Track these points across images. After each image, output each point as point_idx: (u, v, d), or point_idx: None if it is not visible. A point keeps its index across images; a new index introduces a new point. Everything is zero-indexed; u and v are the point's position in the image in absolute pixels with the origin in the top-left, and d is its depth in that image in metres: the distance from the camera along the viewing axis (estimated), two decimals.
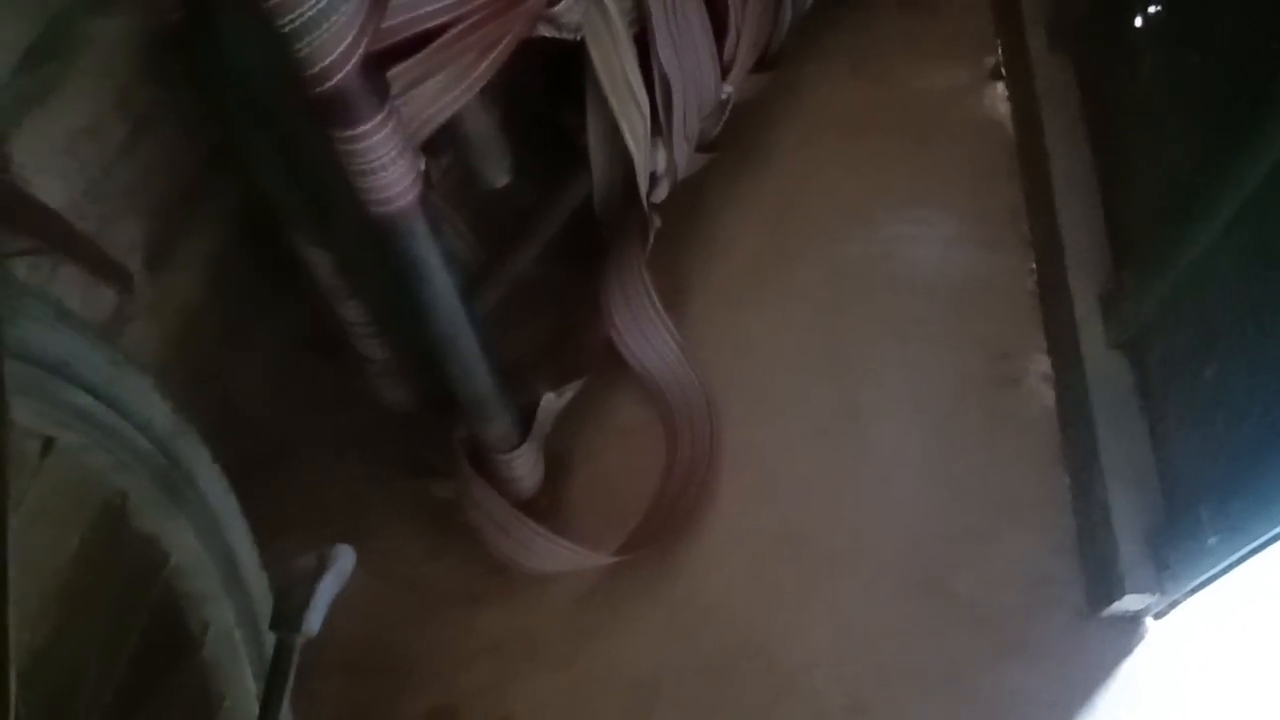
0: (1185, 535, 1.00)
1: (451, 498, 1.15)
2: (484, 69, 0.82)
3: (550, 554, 1.11)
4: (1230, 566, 0.97)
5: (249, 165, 0.89)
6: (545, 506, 1.17)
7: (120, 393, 0.59)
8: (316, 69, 0.65)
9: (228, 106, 0.86)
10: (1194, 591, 1.04)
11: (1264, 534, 0.90)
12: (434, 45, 0.76)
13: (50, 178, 0.83)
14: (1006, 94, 1.56)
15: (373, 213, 0.76)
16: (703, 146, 1.33)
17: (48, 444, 0.55)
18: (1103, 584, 1.09)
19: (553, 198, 1.17)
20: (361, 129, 0.69)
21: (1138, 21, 1.23)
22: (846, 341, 1.34)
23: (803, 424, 1.28)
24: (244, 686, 0.78)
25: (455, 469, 1.11)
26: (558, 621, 1.17)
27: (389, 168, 0.73)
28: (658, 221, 1.22)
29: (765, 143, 1.53)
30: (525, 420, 1.09)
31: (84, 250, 0.75)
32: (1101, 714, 1.06)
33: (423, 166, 0.77)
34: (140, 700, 0.75)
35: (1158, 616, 1.09)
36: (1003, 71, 1.59)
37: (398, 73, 0.74)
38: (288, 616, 0.61)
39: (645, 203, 1.18)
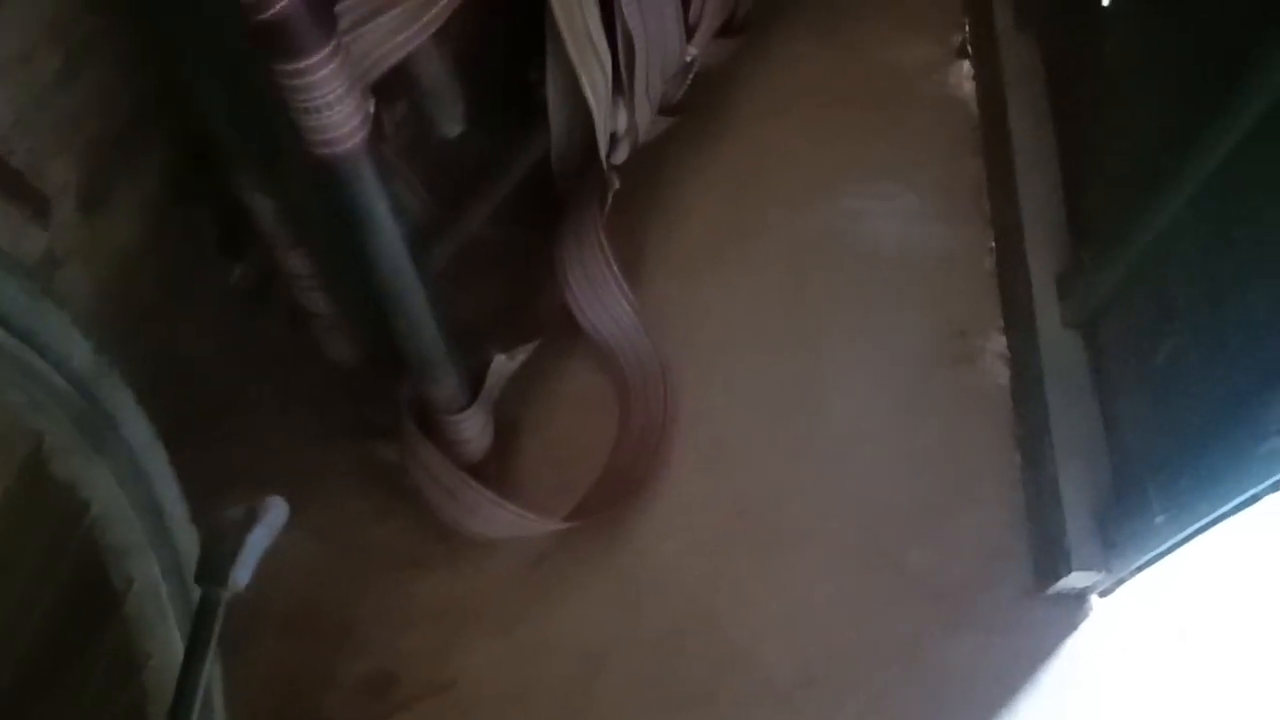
0: (1133, 513, 1.00)
1: (397, 460, 1.12)
2: (439, 10, 0.79)
3: (497, 519, 1.09)
4: (1176, 545, 0.98)
5: (190, 103, 0.85)
6: (493, 471, 1.14)
7: (36, 326, 0.55)
8: None
9: (168, 37, 0.81)
10: (1140, 570, 1.05)
11: (1210, 513, 0.91)
12: None
13: None
14: (972, 71, 1.55)
15: (318, 155, 0.73)
16: (665, 110, 1.30)
17: None
18: (1050, 561, 1.10)
19: (509, 154, 1.14)
20: (306, 62, 0.66)
21: (1105, 0, 1.22)
22: (805, 314, 1.33)
23: (758, 396, 1.27)
24: (170, 644, 0.75)
25: (401, 430, 1.08)
26: (503, 588, 1.15)
27: (335, 106, 0.69)
28: (617, 183, 1.19)
29: (729, 110, 1.51)
30: (475, 382, 1.07)
31: None
32: (1045, 689, 1.07)
33: (372, 108, 0.74)
34: (60, 657, 0.72)
35: (1103, 594, 1.10)
36: (969, 48, 1.58)
37: (347, 6, 0.71)
38: (214, 570, 0.58)
39: (605, 163, 1.15)
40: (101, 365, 0.62)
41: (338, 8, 0.69)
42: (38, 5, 0.83)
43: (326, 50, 0.66)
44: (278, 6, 0.62)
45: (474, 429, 1.08)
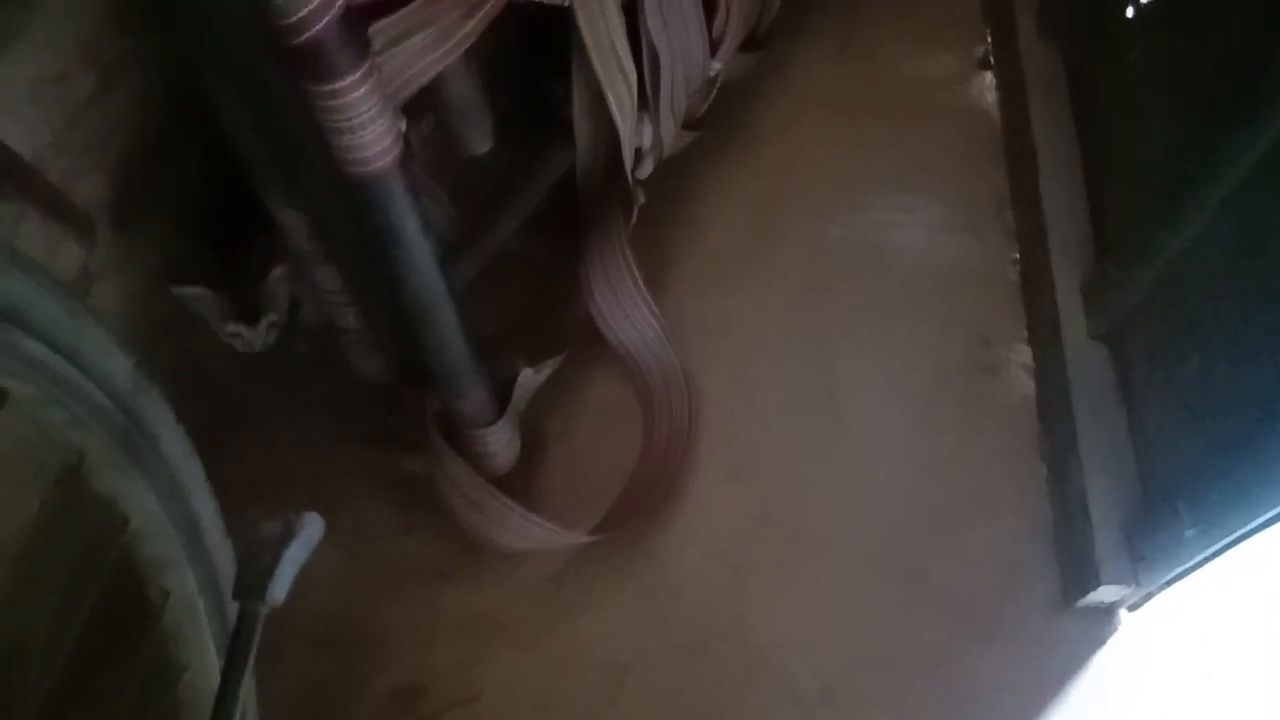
0: (1162, 527, 1.00)
1: (423, 472, 1.13)
2: (469, 30, 0.80)
3: (523, 531, 1.10)
4: (1206, 559, 0.97)
5: (220, 121, 0.86)
6: (519, 484, 1.15)
7: (78, 344, 0.56)
8: (294, 18, 0.62)
9: (199, 57, 0.82)
10: (1169, 584, 1.04)
11: (1240, 527, 0.90)
12: (418, 2, 0.74)
13: (12, 125, 0.79)
14: (994, 82, 1.55)
15: (350, 173, 0.74)
16: (689, 124, 1.31)
17: (1, 395, 0.52)
18: (1078, 574, 1.09)
19: (535, 170, 1.15)
20: (340, 84, 0.67)
21: (1129, 11, 1.22)
22: (828, 325, 1.33)
23: (781, 406, 1.27)
24: (206, 656, 0.76)
25: (428, 443, 1.09)
26: (529, 600, 1.16)
27: (368, 126, 0.70)
28: (642, 197, 1.20)
29: (751, 123, 1.51)
30: (501, 395, 1.07)
31: (43, 192, 0.72)
32: (1072, 704, 1.06)
33: (403, 127, 0.75)
34: (97, 669, 0.73)
35: (1132, 608, 1.09)
36: (991, 60, 1.58)
37: (380, 28, 0.71)
38: (251, 585, 0.59)
39: (630, 177, 1.16)
40: (141, 381, 0.63)
41: (371, 29, 0.70)
42: (72, 27, 0.84)
43: (360, 72, 0.67)
44: (313, 30, 0.63)
45: (500, 442, 1.09)
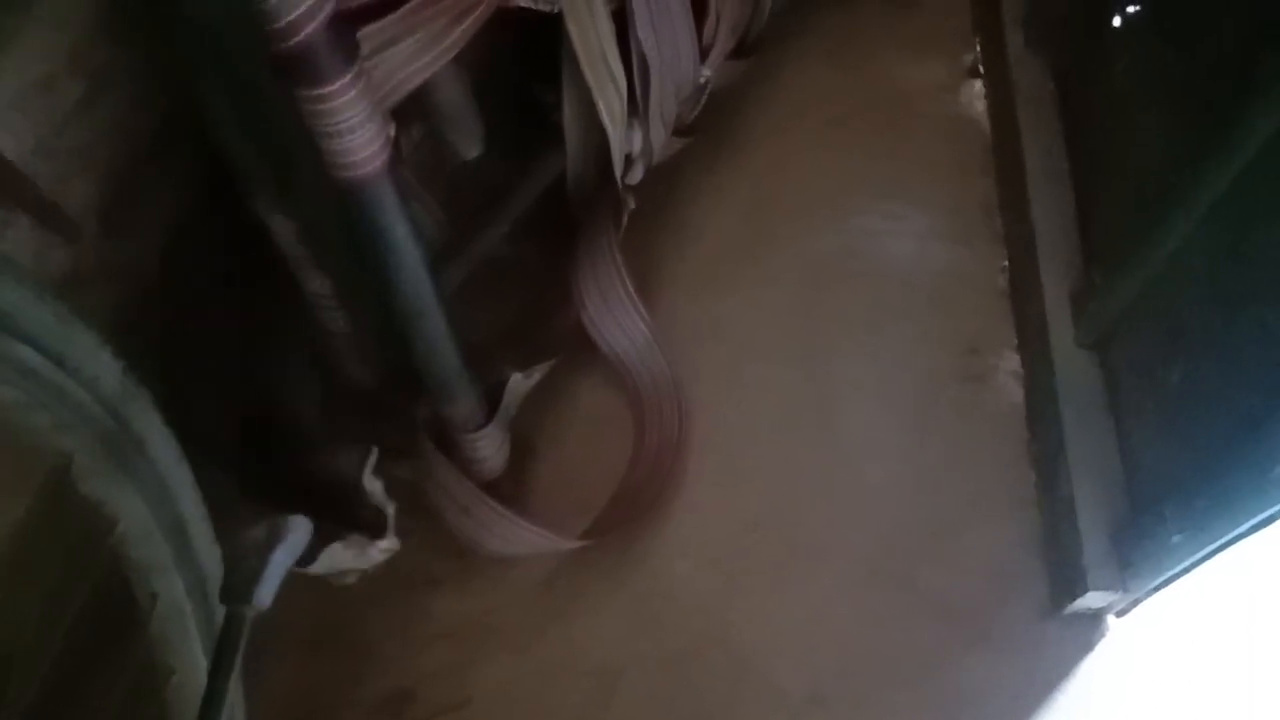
0: (1149, 533, 1.00)
1: (412, 478, 1.13)
2: (458, 35, 0.80)
3: (513, 537, 1.10)
4: (1193, 565, 0.98)
5: (210, 126, 0.86)
6: (509, 489, 1.15)
7: (66, 349, 0.56)
8: (282, 23, 0.62)
9: (189, 62, 0.83)
10: (1156, 590, 1.04)
11: (1227, 533, 0.91)
12: (406, 7, 0.74)
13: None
14: (983, 91, 1.56)
15: (339, 178, 0.74)
16: (679, 131, 1.31)
17: None
18: (1066, 580, 1.10)
19: (525, 175, 1.15)
20: (329, 89, 0.67)
21: (1116, 21, 1.23)
22: (817, 331, 1.34)
23: (772, 412, 1.27)
24: (193, 660, 0.75)
25: (418, 448, 1.09)
26: (519, 606, 1.16)
27: (357, 131, 0.70)
28: (632, 203, 1.21)
29: (742, 130, 1.52)
30: (491, 401, 1.08)
31: (31, 198, 0.72)
32: (1061, 710, 1.07)
33: (392, 132, 0.75)
34: (83, 672, 0.73)
35: (1120, 614, 1.10)
36: (980, 69, 1.59)
37: (368, 33, 0.72)
38: (238, 588, 0.59)
39: (620, 183, 1.16)
40: (130, 386, 0.63)
41: (360, 34, 0.71)
42: (60, 34, 0.84)
43: (349, 76, 0.68)
44: (301, 35, 0.63)
45: (490, 447, 1.09)
